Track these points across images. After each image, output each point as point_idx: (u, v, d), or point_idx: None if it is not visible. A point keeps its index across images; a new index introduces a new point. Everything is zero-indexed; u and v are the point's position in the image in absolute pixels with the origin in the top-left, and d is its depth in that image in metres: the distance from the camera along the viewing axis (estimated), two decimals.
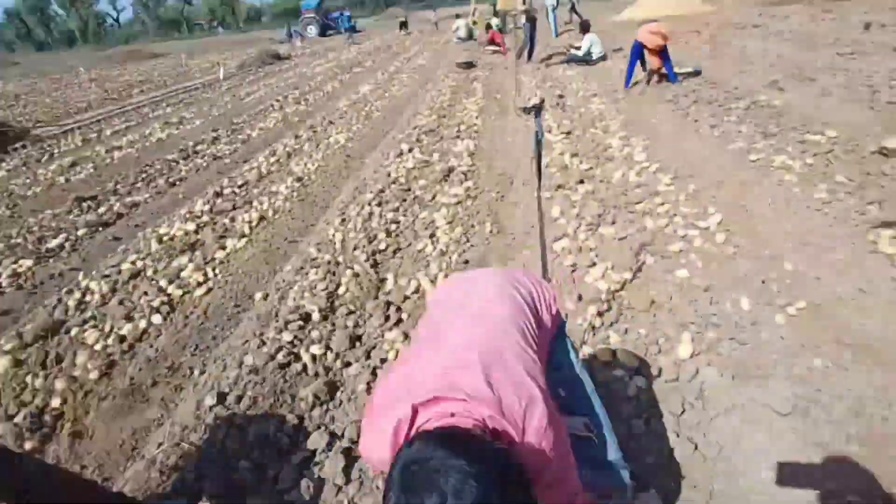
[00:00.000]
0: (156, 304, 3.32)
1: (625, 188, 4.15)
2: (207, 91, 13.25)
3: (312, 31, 33.66)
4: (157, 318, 3.20)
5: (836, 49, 7.96)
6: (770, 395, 2.10)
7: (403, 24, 27.22)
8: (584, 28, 10.44)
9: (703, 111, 5.85)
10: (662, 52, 7.06)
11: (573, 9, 17.73)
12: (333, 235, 3.92)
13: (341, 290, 3.21)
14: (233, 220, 4.48)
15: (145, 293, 3.47)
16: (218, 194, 5.13)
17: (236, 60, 19.91)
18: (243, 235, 4.18)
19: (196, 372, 2.80)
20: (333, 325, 2.93)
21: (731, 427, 2.02)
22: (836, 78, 6.28)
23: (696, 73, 7.57)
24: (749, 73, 7.34)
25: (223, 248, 3.99)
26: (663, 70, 7.28)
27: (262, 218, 4.50)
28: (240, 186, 5.35)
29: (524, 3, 11.20)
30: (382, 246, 3.74)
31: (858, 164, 3.84)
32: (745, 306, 2.61)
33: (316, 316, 2.97)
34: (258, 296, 3.34)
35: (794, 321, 2.49)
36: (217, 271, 3.70)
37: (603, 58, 10.04)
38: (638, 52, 7.20)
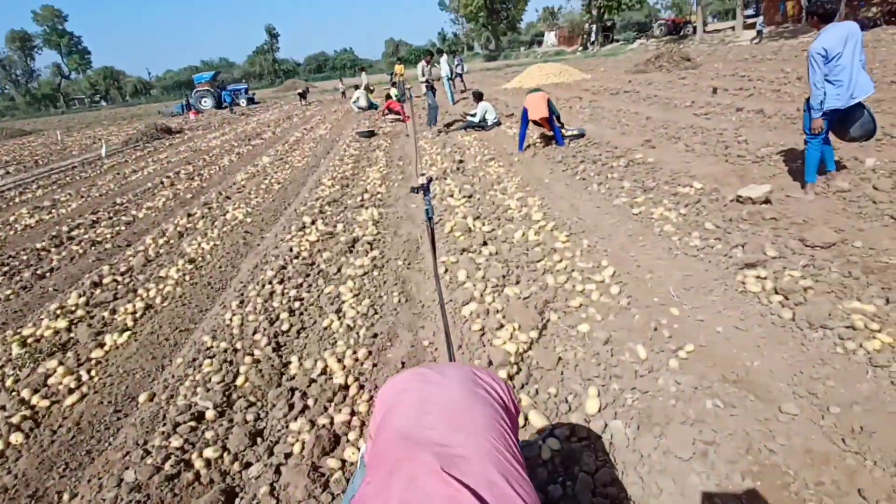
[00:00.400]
0: (16, 420, 2.88)
1: (525, 247, 4.33)
2: (87, 170, 12.31)
3: (207, 103, 33.05)
4: (16, 437, 2.77)
5: (692, 111, 9.16)
6: (672, 442, 2.19)
7: (303, 95, 27.58)
8: (478, 97, 11.25)
9: (589, 170, 6.36)
10: (549, 119, 7.69)
11: (457, 77, 19.31)
12: (230, 320, 3.66)
13: (240, 381, 2.95)
14: (113, 312, 4.05)
15: (2, 408, 3.02)
16: (96, 284, 4.64)
17: (122, 136, 18.87)
18: (126, 329, 3.77)
19: (66, 496, 2.40)
20: (231, 421, 2.67)
21: (641, 479, 2.07)
22: (695, 136, 7.16)
23: (581, 135, 8.29)
24: (626, 134, 8.17)
25: (101, 345, 3.57)
26: (552, 133, 7.91)
27: (148, 307, 4.12)
28: (122, 273, 4.89)
29: (423, 74, 11.85)
30: (285, 326, 3.54)
31: (722, 212, 4.32)
32: (642, 354, 2.75)
33: (210, 413, 2.70)
34: (143, 397, 2.98)
35: (685, 364, 2.65)
36: (93, 373, 3.29)
37: (497, 123, 10.74)
38: (527, 118, 7.77)
